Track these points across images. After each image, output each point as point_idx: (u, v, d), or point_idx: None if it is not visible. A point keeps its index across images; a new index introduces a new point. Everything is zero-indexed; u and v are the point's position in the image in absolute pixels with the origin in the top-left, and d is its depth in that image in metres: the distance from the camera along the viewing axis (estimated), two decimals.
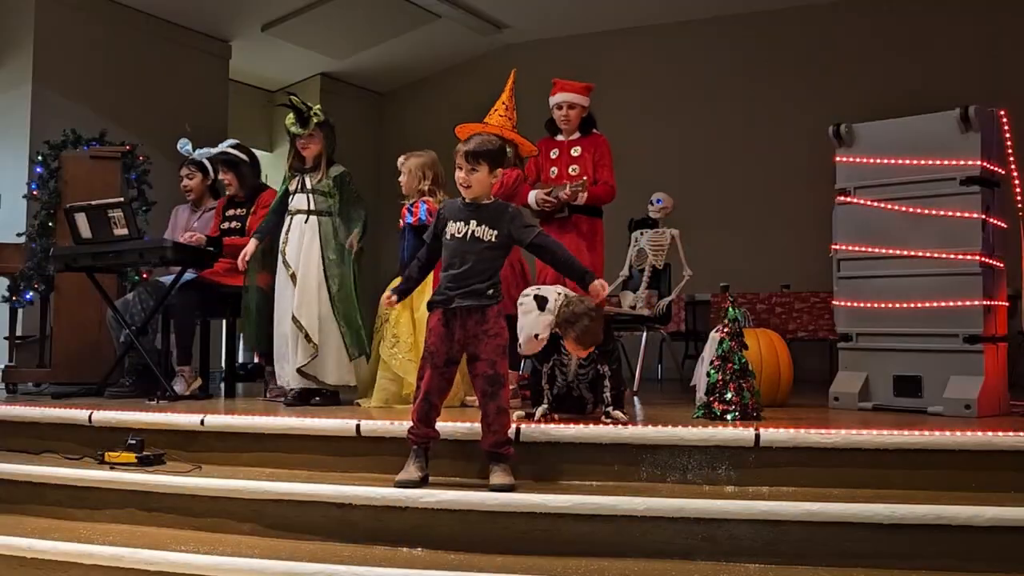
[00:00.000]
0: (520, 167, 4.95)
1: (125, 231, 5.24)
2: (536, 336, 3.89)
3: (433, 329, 3.52)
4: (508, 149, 4.80)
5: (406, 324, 4.82)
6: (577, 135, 5.15)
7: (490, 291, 3.49)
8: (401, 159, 5.11)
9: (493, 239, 3.49)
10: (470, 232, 3.49)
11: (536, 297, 3.95)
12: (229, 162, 5.77)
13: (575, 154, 5.12)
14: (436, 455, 3.62)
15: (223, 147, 5.88)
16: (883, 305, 4.70)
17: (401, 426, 3.74)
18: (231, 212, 5.75)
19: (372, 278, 6.05)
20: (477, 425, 3.55)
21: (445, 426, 3.69)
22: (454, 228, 3.52)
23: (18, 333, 6.59)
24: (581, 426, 3.71)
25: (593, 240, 5.18)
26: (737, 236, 8.87)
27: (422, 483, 3.46)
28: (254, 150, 6.13)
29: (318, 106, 5.11)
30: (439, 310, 3.51)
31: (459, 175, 3.51)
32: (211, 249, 5.49)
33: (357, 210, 5.11)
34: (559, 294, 3.97)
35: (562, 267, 3.70)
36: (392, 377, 4.80)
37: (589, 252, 5.15)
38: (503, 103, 4.86)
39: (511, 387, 4.68)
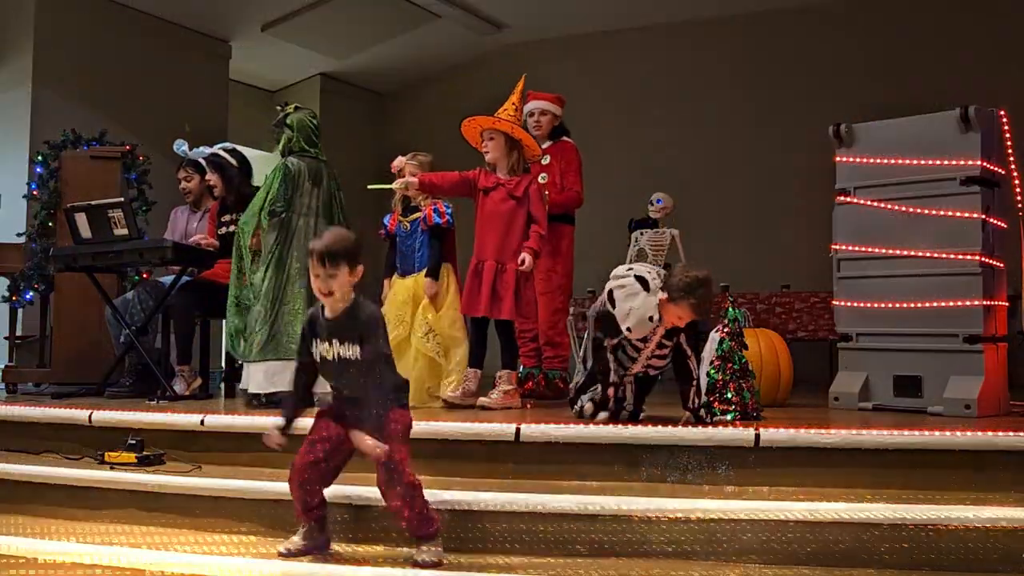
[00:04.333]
0: (527, 172, 4.94)
1: (125, 231, 5.24)
2: (651, 319, 3.87)
3: (319, 421, 3.18)
4: (515, 152, 4.82)
5: (422, 314, 4.82)
6: (548, 143, 5.37)
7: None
8: (404, 159, 5.03)
9: (359, 355, 3.04)
10: (336, 353, 3.07)
11: (637, 278, 3.93)
12: (215, 163, 5.75)
13: (544, 162, 5.37)
14: (428, 454, 3.62)
15: (215, 148, 5.88)
16: (883, 305, 4.70)
17: None
18: (227, 217, 5.70)
19: (371, 286, 6.03)
20: (464, 425, 3.52)
21: (430, 426, 3.69)
22: (321, 348, 3.10)
23: (18, 333, 6.60)
24: (581, 426, 3.71)
25: (557, 244, 5.39)
26: (737, 236, 8.88)
27: (314, 551, 3.17)
28: (256, 151, 6.12)
29: (291, 106, 5.05)
30: (328, 410, 3.18)
31: (316, 283, 3.05)
32: (212, 249, 5.49)
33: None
34: (650, 270, 3.99)
35: (364, 397, 3.08)
36: (416, 376, 4.75)
37: (550, 257, 5.33)
38: (513, 103, 4.83)
39: (510, 387, 4.70)
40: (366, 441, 2.96)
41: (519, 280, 4.68)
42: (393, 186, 4.85)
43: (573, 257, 5.61)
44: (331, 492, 3.28)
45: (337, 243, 3.04)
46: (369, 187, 4.88)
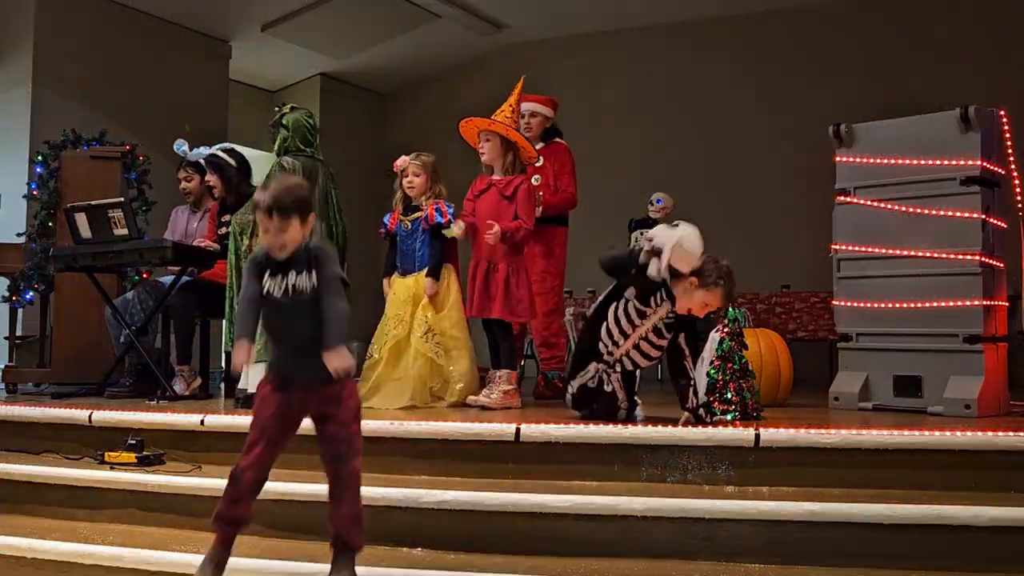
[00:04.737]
0: (522, 172, 4.94)
1: (125, 231, 5.24)
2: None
3: (266, 399, 2.89)
4: (510, 154, 4.83)
5: (421, 313, 4.81)
6: (540, 145, 5.38)
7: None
8: (407, 159, 5.02)
9: (313, 283, 2.81)
10: (289, 284, 2.81)
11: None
12: (214, 164, 5.77)
13: (537, 164, 5.31)
14: (428, 454, 3.61)
15: (213, 149, 5.89)
16: (883, 305, 4.70)
17: (401, 426, 3.75)
18: (227, 217, 5.69)
19: (372, 285, 6.04)
20: (464, 425, 3.52)
21: (430, 425, 3.70)
22: (271, 284, 2.83)
23: (18, 333, 6.60)
24: (581, 426, 3.71)
25: (551, 246, 5.43)
26: (737, 236, 8.84)
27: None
28: (256, 151, 6.12)
29: (287, 106, 5.04)
30: (272, 383, 2.91)
31: (268, 238, 2.80)
32: (215, 247, 5.50)
33: None
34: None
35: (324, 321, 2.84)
36: (416, 375, 4.75)
37: (544, 258, 5.36)
38: (510, 105, 4.84)
39: (509, 387, 4.69)
40: (336, 359, 2.73)
41: (509, 279, 4.69)
42: (455, 233, 4.79)
43: (566, 258, 5.61)
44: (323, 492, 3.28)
45: (286, 194, 2.79)
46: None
